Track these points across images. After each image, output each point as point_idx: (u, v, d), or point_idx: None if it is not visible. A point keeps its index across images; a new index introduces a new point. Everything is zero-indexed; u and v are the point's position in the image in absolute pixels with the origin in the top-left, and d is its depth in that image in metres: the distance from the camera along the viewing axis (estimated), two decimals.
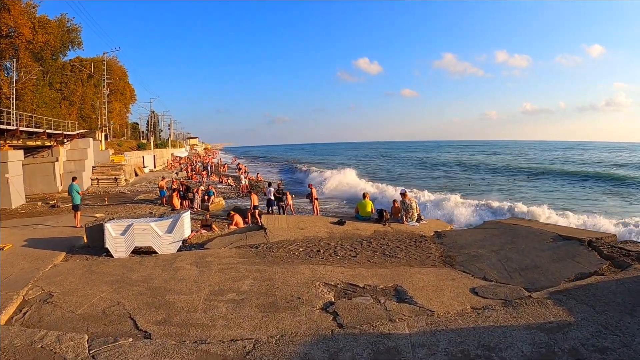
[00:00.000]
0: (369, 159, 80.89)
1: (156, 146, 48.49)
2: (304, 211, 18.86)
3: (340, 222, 9.57)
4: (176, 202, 14.36)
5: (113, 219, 10.19)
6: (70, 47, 45.16)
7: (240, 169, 35.10)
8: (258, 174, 34.67)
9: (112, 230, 9.12)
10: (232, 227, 13.29)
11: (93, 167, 29.02)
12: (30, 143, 25.17)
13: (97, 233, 9.64)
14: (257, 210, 15.79)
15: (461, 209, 16.49)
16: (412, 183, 33.31)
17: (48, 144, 27.07)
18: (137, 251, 9.19)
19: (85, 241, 10.44)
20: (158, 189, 19.88)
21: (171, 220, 8.77)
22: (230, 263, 7.04)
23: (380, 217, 9.86)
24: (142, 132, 59.12)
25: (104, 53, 40.57)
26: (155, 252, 8.92)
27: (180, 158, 56.49)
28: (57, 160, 27.58)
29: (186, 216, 8.80)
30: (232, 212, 13.71)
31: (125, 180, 29.05)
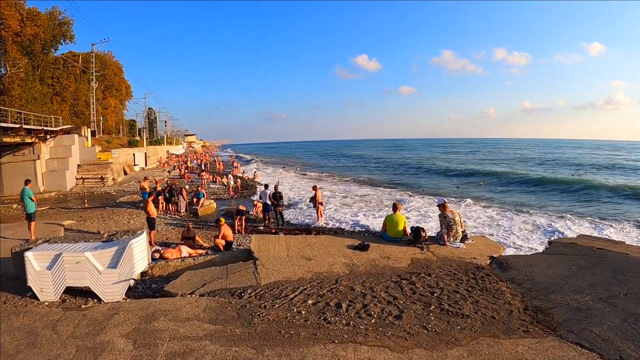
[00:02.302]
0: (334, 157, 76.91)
1: (151, 143, 44.83)
2: (302, 215, 15.73)
3: (362, 247, 6.41)
4: (152, 208, 11.10)
5: (47, 241, 6.99)
6: (61, 40, 41.38)
7: (235, 167, 31.69)
8: (255, 172, 31.39)
9: (34, 262, 5.93)
10: (219, 240, 10.21)
11: (78, 165, 25.61)
12: (7, 140, 21.75)
13: (22, 262, 6.46)
14: (243, 217, 12.72)
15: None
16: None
17: (29, 140, 23.65)
18: (77, 290, 6.04)
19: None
20: (140, 190, 16.61)
21: (115, 248, 5.58)
22: (192, 336, 3.89)
23: (416, 237, 6.71)
24: (139, 129, 55.23)
25: (93, 44, 36.81)
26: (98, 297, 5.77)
27: (176, 156, 52.77)
28: (38, 159, 24.23)
29: (137, 243, 5.61)
30: (222, 221, 10.58)
31: (113, 179, 25.69)
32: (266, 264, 5.63)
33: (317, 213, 13.74)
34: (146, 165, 35.55)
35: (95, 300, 5.89)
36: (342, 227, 13.45)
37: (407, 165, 47.84)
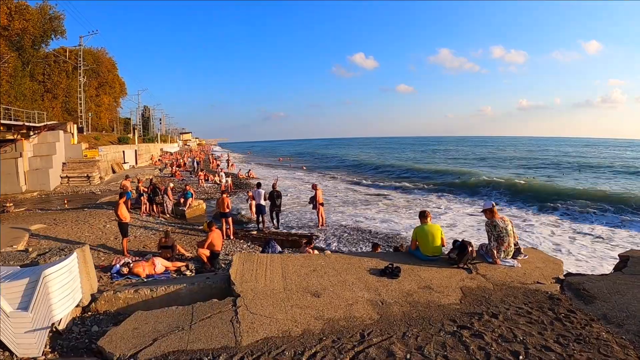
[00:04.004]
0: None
1: (144, 141, 42.27)
2: (303, 218, 13.68)
3: (392, 272, 4.31)
4: (123, 212, 9.03)
5: None
6: (52, 36, 38.73)
7: (218, 165, 29.51)
8: (250, 170, 29.23)
9: None
10: (202, 250, 8.24)
11: (63, 163, 23.33)
12: None
13: None
14: (230, 219, 10.70)
15: None
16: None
17: (10, 137, 21.35)
18: None
19: None
20: (121, 190, 14.44)
21: (26, 281, 3.54)
22: None
23: (461, 254, 4.70)
24: (133, 126, 52.45)
25: (81, 37, 34.13)
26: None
27: (170, 154, 50.19)
28: (20, 156, 21.94)
29: (55, 274, 3.59)
30: (213, 226, 8.59)
31: (100, 178, 23.46)
32: (252, 306, 3.58)
33: (318, 216, 11.78)
34: (137, 163, 33.17)
35: (7, 353, 3.88)
36: (347, 231, 11.48)
37: (403, 166, 45.78)
